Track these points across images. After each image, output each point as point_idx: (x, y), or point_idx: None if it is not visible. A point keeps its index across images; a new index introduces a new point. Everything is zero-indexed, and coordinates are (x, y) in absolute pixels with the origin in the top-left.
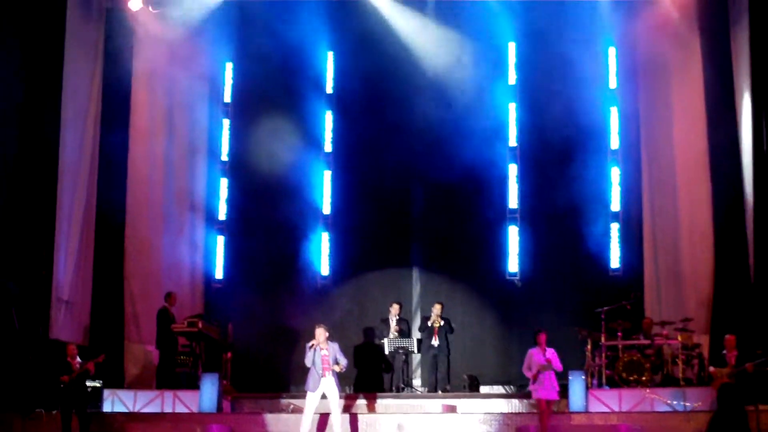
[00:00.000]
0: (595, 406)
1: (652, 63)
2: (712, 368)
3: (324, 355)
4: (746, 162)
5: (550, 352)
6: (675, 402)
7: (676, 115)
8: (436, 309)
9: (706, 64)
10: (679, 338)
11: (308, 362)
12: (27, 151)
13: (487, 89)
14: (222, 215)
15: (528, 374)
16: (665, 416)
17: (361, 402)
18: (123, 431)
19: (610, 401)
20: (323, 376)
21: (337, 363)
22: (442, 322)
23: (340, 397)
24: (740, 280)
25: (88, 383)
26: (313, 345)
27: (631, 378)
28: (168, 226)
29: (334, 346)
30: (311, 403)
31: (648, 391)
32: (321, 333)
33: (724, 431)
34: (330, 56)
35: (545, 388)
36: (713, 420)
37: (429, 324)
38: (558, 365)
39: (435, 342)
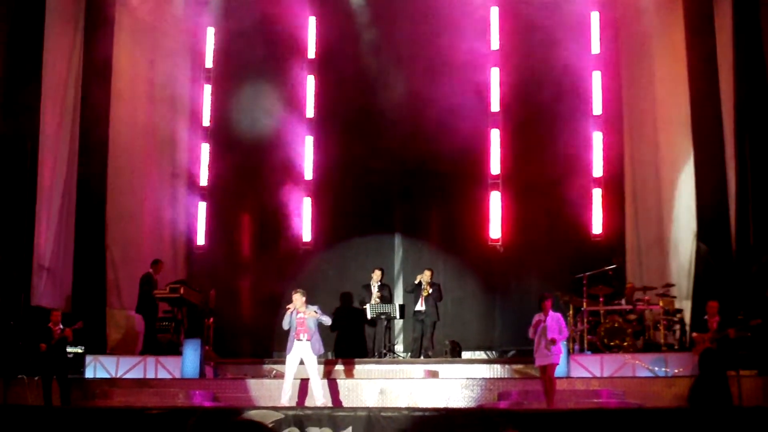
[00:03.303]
0: (577, 372)
1: (635, 27)
2: (694, 334)
3: (300, 318)
4: (728, 128)
5: (551, 318)
6: (656, 367)
7: (658, 81)
8: (426, 275)
9: (688, 29)
10: (661, 304)
11: (285, 325)
12: (7, 120)
13: (469, 54)
14: (204, 181)
15: (532, 337)
16: (647, 381)
17: (342, 368)
18: (105, 397)
19: (592, 367)
20: (297, 339)
21: (321, 320)
22: (431, 289)
23: (320, 363)
24: (722, 246)
25: (70, 349)
26: (289, 309)
27: (613, 343)
28: (149, 192)
29: (314, 308)
30: (290, 367)
31: (629, 356)
32: (298, 298)
33: (706, 396)
34: (312, 21)
35: (540, 355)
36: (695, 385)
37: (420, 286)
38: (556, 333)
39: (421, 307)
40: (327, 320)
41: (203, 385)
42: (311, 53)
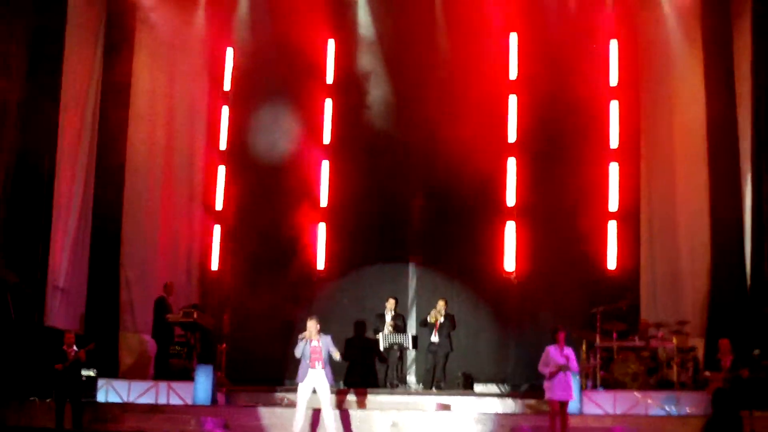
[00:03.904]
0: (590, 408)
1: (653, 57)
2: (707, 372)
3: (314, 346)
4: (745, 162)
5: (569, 351)
6: (669, 406)
7: (676, 112)
8: (440, 305)
9: (706, 60)
10: (675, 341)
11: (297, 353)
12: (24, 138)
13: (487, 82)
14: (219, 204)
15: (544, 371)
16: (659, 420)
17: (354, 398)
18: (117, 421)
19: (605, 403)
20: (312, 367)
21: (332, 358)
22: (442, 319)
23: (332, 392)
24: (737, 284)
25: (83, 372)
26: (304, 337)
27: (626, 380)
28: (165, 213)
29: (327, 339)
30: (302, 396)
31: (642, 394)
32: (312, 325)
33: None
34: (331, 44)
35: (561, 389)
36: (708, 425)
37: (428, 320)
38: (574, 366)
39: (435, 338)
40: (336, 355)
41: (215, 412)
42: (329, 77)
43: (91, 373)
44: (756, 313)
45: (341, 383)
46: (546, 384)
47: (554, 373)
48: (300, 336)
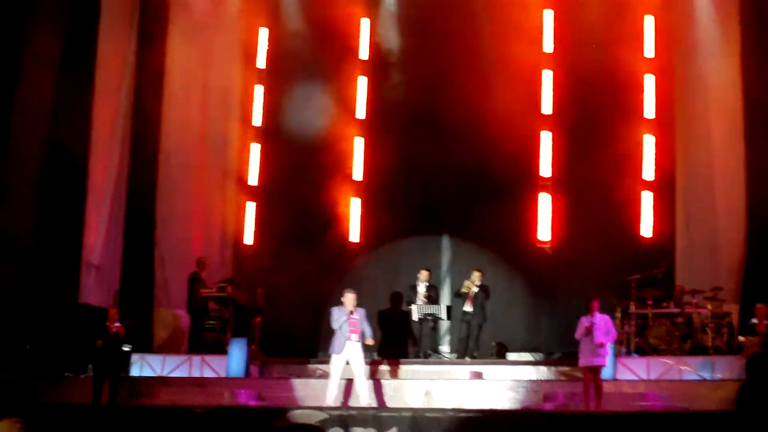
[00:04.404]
0: (624, 374)
1: (689, 30)
2: (741, 337)
3: (352, 319)
4: None
5: (597, 319)
6: (704, 371)
7: (711, 84)
8: (474, 276)
9: (743, 32)
10: (709, 307)
11: (336, 325)
12: (59, 125)
13: (522, 56)
14: (254, 180)
15: (578, 338)
16: (693, 385)
17: (387, 368)
18: (151, 395)
19: (639, 370)
20: (349, 339)
21: (364, 335)
22: (476, 289)
23: (366, 363)
24: None
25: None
26: (349, 312)
27: (660, 346)
28: (199, 191)
29: (361, 312)
30: (337, 367)
31: (677, 359)
32: (352, 298)
33: (754, 401)
34: (365, 22)
35: (589, 354)
36: (742, 389)
37: (461, 290)
38: (603, 335)
39: (468, 308)
40: (369, 333)
41: (248, 385)
42: (364, 54)
43: (127, 348)
44: None
45: (375, 354)
46: (579, 352)
47: (582, 340)
48: (336, 308)
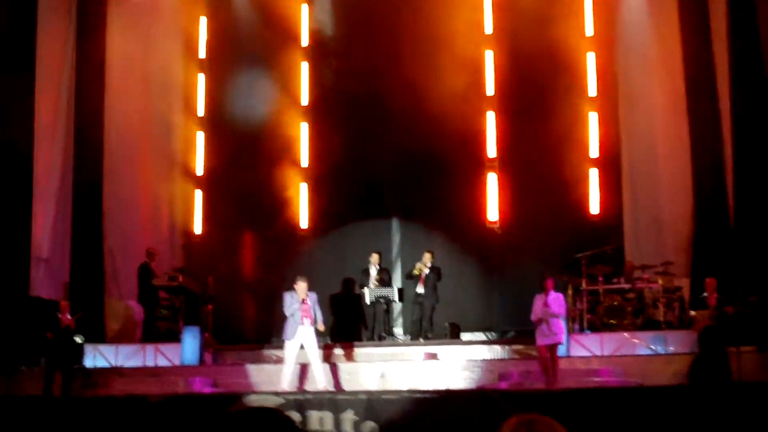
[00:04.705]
0: (577, 351)
1: (629, 7)
2: (693, 311)
3: (304, 305)
4: (724, 103)
5: (552, 297)
6: (656, 345)
7: (653, 60)
8: (425, 257)
9: (682, 7)
10: (660, 282)
11: (288, 311)
12: (2, 113)
13: (464, 38)
14: (200, 169)
15: (533, 318)
16: (646, 359)
17: (342, 352)
18: (105, 386)
19: (592, 346)
20: (302, 324)
21: (316, 321)
22: (427, 271)
23: (319, 347)
24: (720, 223)
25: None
26: (300, 299)
27: (613, 322)
28: (146, 181)
29: (313, 297)
30: (291, 352)
31: (629, 334)
32: (303, 287)
33: (706, 373)
34: (305, 8)
35: (543, 334)
36: (694, 362)
37: (412, 272)
38: (556, 310)
39: (420, 290)
40: (320, 318)
41: (203, 372)
42: (305, 40)
43: (79, 339)
44: (740, 251)
45: (328, 338)
46: (536, 331)
47: (539, 321)
48: (287, 293)
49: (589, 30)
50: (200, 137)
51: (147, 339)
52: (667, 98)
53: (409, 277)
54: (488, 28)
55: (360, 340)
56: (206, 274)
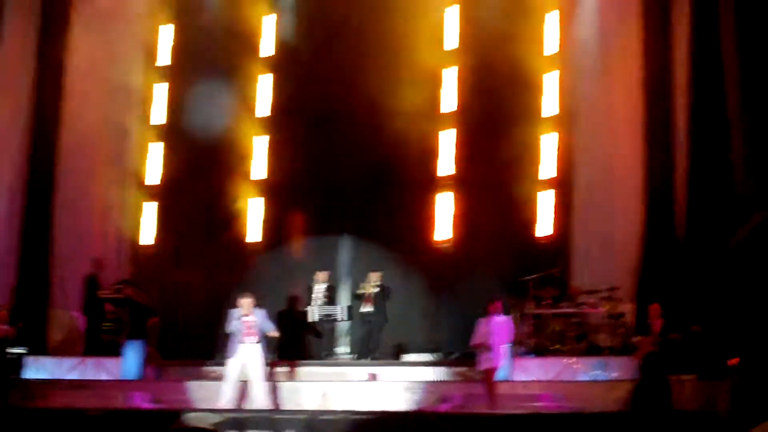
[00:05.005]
0: (520, 375)
1: (591, 28)
2: (636, 337)
3: (247, 321)
4: (680, 131)
5: (495, 322)
6: (598, 371)
7: (613, 83)
8: (372, 277)
9: (645, 29)
10: (605, 307)
11: (231, 329)
12: None
13: (425, 54)
14: (155, 179)
15: (472, 343)
16: (588, 385)
17: (284, 369)
18: (44, 398)
19: (535, 370)
20: (242, 342)
21: (266, 333)
22: (374, 290)
23: (265, 365)
24: (669, 249)
25: (15, 350)
26: (242, 315)
27: (556, 347)
28: (98, 190)
29: (261, 313)
30: (232, 370)
31: (572, 360)
32: (247, 303)
33: (647, 400)
34: (268, 19)
35: (485, 358)
36: (636, 389)
37: (358, 292)
38: (498, 335)
39: (368, 308)
40: (271, 332)
41: (143, 387)
42: (267, 52)
43: (21, 350)
44: (687, 278)
45: (274, 356)
46: (477, 354)
47: (477, 347)
48: (232, 311)
49: (549, 49)
50: (156, 146)
51: (90, 352)
52: (626, 123)
53: (357, 297)
54: (450, 44)
55: (304, 358)
56: (153, 287)
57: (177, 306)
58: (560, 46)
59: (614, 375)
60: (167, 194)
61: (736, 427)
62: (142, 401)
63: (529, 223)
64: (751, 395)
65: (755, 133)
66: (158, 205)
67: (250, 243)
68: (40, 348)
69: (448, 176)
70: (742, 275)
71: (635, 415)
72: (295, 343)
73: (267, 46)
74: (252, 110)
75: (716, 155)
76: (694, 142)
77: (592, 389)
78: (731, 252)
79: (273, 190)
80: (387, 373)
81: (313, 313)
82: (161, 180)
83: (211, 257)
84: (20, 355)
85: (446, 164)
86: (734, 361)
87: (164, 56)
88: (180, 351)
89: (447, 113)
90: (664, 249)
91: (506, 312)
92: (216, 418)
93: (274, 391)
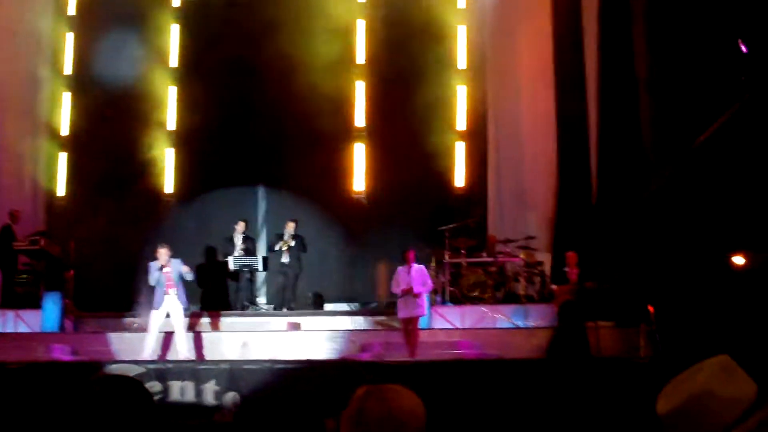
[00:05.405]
0: (439, 323)
1: None
2: (553, 286)
3: (167, 273)
4: (591, 83)
5: (416, 270)
6: (517, 319)
7: (522, 35)
8: (289, 227)
9: None
10: (522, 256)
11: (152, 281)
12: None
13: (337, 4)
14: (65, 130)
15: (396, 291)
16: (507, 333)
17: (206, 320)
18: None
19: (453, 318)
20: (167, 293)
21: (184, 279)
22: (293, 243)
23: (185, 316)
24: (582, 200)
25: None
26: (162, 266)
27: (474, 295)
28: (9, 142)
29: (177, 262)
30: (155, 322)
31: (490, 308)
32: (164, 252)
33: (564, 347)
34: None
35: (409, 307)
36: (554, 336)
37: (277, 247)
38: (419, 286)
39: (285, 259)
40: (189, 274)
41: (63, 339)
42: (176, 1)
43: None
44: (601, 228)
45: (192, 307)
46: (398, 303)
47: (402, 294)
48: (153, 263)
49: (461, 2)
50: (67, 97)
51: (6, 304)
52: (535, 74)
53: (272, 250)
54: None
55: (225, 308)
56: (69, 238)
57: (92, 258)
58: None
59: (533, 323)
60: (79, 145)
61: (655, 373)
62: (62, 353)
63: (446, 173)
64: (669, 342)
65: (662, 89)
66: (70, 156)
67: (164, 194)
68: None
69: (361, 128)
70: (655, 225)
71: (554, 362)
72: (216, 294)
73: None
74: (165, 61)
75: (626, 109)
76: (603, 96)
77: (512, 337)
78: (644, 202)
79: (186, 140)
80: (307, 322)
81: (233, 264)
82: (71, 130)
83: (126, 208)
84: None
85: (361, 115)
86: (650, 308)
87: (72, 5)
88: (96, 303)
89: (360, 64)
90: (578, 200)
91: (420, 261)
92: (139, 370)
93: (196, 342)
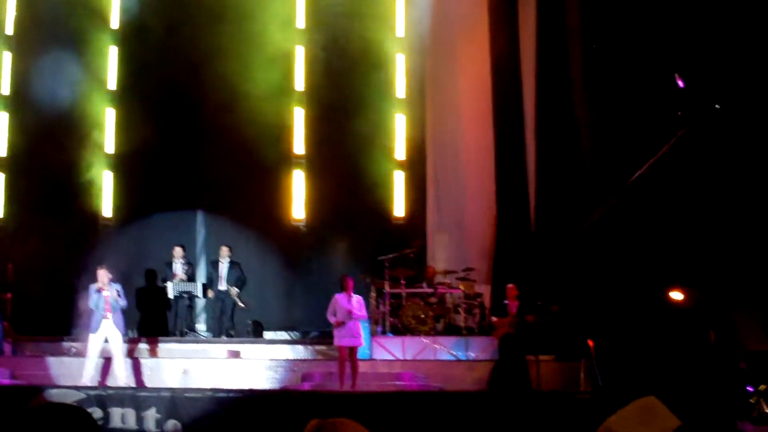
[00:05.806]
0: (379, 354)
1: (441, 13)
2: (493, 318)
3: (106, 296)
4: (529, 115)
5: (356, 298)
6: (457, 351)
7: (463, 67)
8: (223, 251)
9: (492, 21)
10: (461, 287)
11: (92, 304)
12: None
13: (277, 31)
14: (3, 152)
15: (332, 320)
16: (448, 365)
17: (144, 346)
18: None
19: (394, 349)
20: (105, 317)
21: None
22: (227, 267)
23: (123, 341)
24: (521, 231)
25: None
26: (99, 289)
27: (414, 326)
28: None
29: (116, 287)
30: (94, 346)
31: (430, 339)
32: (103, 275)
33: (505, 380)
34: None
35: (348, 335)
36: (495, 369)
37: (218, 274)
38: (362, 314)
39: (222, 287)
40: (122, 301)
41: (2, 363)
42: (115, 23)
43: None
44: (540, 260)
45: (130, 332)
46: (335, 331)
47: (341, 322)
48: (92, 286)
49: (401, 31)
50: (3, 118)
51: None
52: (475, 104)
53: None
54: (300, 22)
55: (165, 335)
56: (7, 260)
57: (30, 280)
58: (406, 29)
59: (474, 355)
60: (17, 166)
61: (595, 408)
62: (0, 377)
63: (385, 203)
64: (608, 377)
65: (599, 121)
66: (8, 178)
67: (102, 217)
68: None
69: (300, 155)
70: (594, 257)
71: (494, 394)
72: (155, 320)
73: (116, 19)
74: (103, 83)
75: (564, 140)
76: (541, 129)
77: (453, 369)
78: (583, 235)
79: (125, 163)
80: (247, 350)
81: (172, 289)
82: (9, 152)
83: (64, 231)
84: None
85: (300, 142)
86: (590, 342)
87: (9, 26)
88: (34, 326)
89: (300, 92)
90: (516, 231)
91: (359, 291)
92: (79, 395)
93: (135, 368)
